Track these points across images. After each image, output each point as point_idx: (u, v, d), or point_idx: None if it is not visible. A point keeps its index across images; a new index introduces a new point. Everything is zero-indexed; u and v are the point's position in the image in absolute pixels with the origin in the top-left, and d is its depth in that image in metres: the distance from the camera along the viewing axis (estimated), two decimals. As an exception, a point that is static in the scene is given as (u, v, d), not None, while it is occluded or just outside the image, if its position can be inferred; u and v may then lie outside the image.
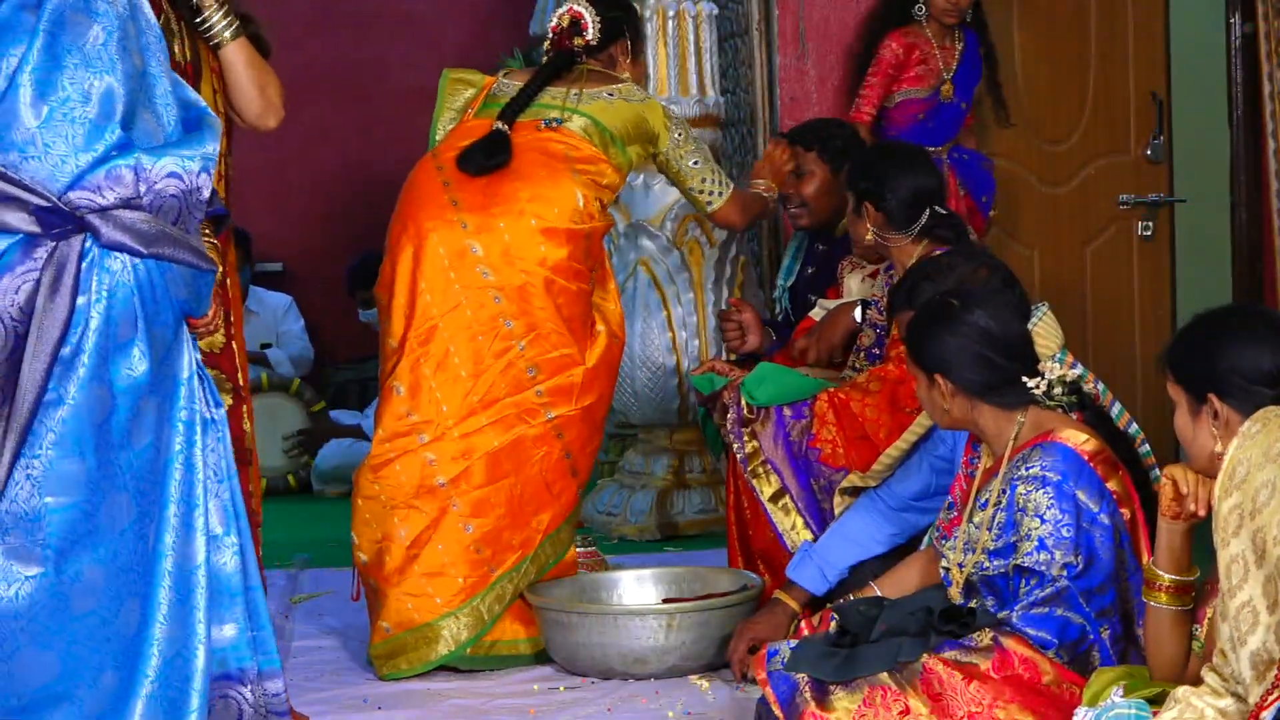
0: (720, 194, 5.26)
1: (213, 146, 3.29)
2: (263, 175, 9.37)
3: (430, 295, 4.85)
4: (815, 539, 4.75)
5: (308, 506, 8.02)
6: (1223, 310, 3.42)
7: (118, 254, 3.19)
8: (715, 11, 6.71)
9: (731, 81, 7.06)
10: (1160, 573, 3.39)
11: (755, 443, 4.94)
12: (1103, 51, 6.89)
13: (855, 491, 4.71)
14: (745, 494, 5.01)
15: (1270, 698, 2.87)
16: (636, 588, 5.06)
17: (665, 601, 4.93)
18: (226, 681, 3.47)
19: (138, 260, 3.21)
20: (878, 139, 6.31)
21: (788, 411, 4.93)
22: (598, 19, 5.19)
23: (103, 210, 3.17)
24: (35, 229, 3.13)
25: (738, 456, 4.96)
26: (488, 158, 4.94)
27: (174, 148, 3.26)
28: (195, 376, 3.39)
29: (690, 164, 5.21)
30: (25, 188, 3.13)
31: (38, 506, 3.14)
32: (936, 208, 4.90)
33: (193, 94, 3.41)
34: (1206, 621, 3.31)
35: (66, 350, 3.16)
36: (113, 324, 3.20)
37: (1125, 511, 3.80)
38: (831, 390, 4.93)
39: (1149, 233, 6.94)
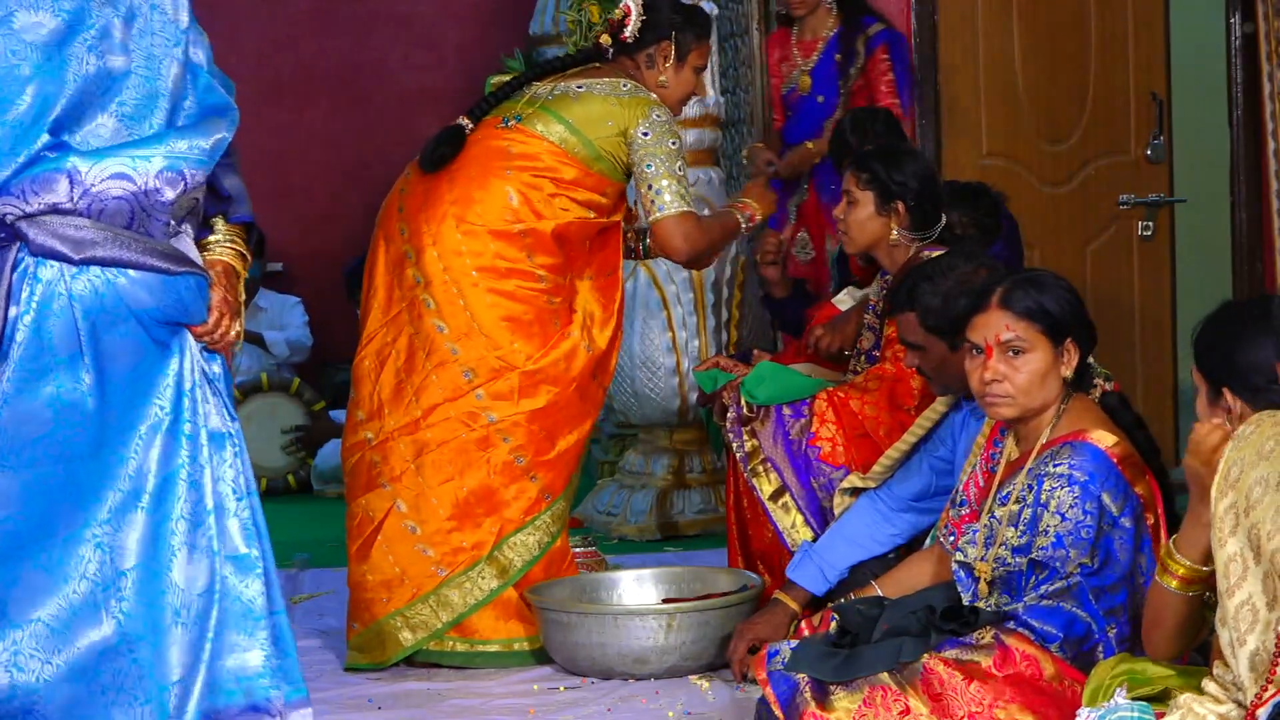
0: (664, 208, 4.88)
1: (200, 146, 3.14)
2: (263, 175, 9.37)
3: (374, 301, 4.95)
4: (815, 537, 4.75)
5: (308, 506, 8.03)
6: (1244, 304, 3.41)
7: (51, 262, 3.05)
8: (715, 11, 6.70)
9: (731, 81, 7.06)
10: (1179, 558, 3.33)
11: (755, 441, 4.94)
12: (1103, 51, 6.89)
13: (855, 492, 4.71)
14: (745, 493, 5.02)
15: (1266, 693, 2.87)
16: (636, 588, 5.06)
17: (665, 601, 4.93)
18: (254, 714, 3.32)
19: (76, 269, 3.07)
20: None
21: (787, 410, 4.93)
22: (642, 16, 5.05)
23: (29, 216, 3.03)
24: None
25: (737, 455, 4.97)
26: (432, 150, 4.94)
27: (129, 146, 3.09)
28: (198, 388, 3.25)
29: (647, 167, 4.89)
30: None
31: None
32: (944, 213, 4.96)
33: (218, 90, 3.25)
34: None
35: None
36: (45, 335, 3.06)
37: (1149, 516, 3.81)
38: (831, 389, 4.94)
39: (1149, 233, 6.94)
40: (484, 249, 4.84)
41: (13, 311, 3.03)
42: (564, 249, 4.91)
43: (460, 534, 4.84)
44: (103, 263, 3.07)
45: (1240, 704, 3.02)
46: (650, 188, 4.88)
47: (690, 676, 4.66)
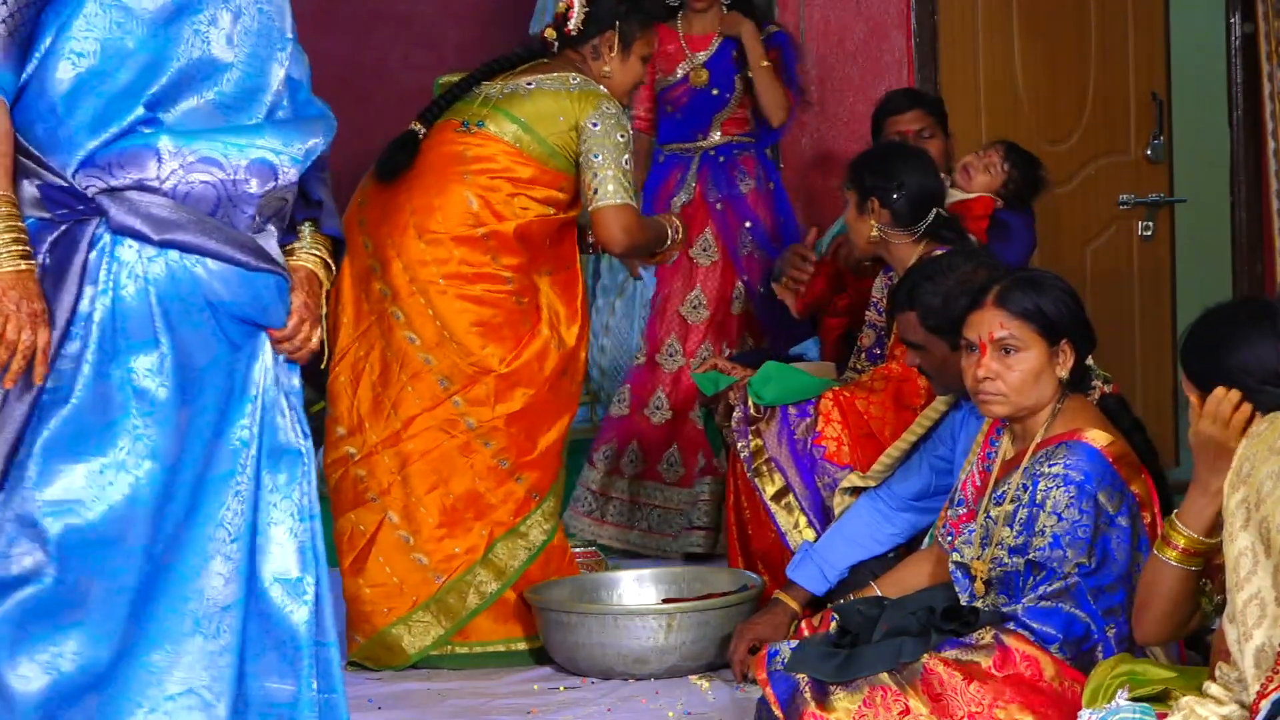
0: (605, 198, 4.83)
1: (296, 145, 3.04)
2: (263, 176, 9.37)
3: (343, 317, 4.93)
4: (818, 538, 4.75)
5: (308, 507, 8.02)
6: (1230, 306, 3.42)
7: (130, 242, 2.94)
8: (707, 9, 6.70)
9: (730, 80, 7.06)
10: (1182, 528, 3.35)
11: (759, 441, 4.94)
12: (1103, 51, 6.89)
13: (856, 491, 4.71)
14: (746, 494, 5.02)
15: (1271, 685, 2.87)
16: (636, 588, 5.06)
17: (665, 601, 4.93)
18: None
19: (155, 251, 2.95)
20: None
21: (793, 410, 4.94)
22: (585, 8, 5.02)
23: (113, 191, 2.93)
24: (44, 212, 2.91)
25: (741, 455, 4.97)
26: (388, 159, 4.93)
27: (222, 133, 3.00)
28: (266, 395, 3.09)
29: (594, 157, 4.84)
30: (41, 163, 2.91)
31: (34, 509, 2.91)
32: (940, 209, 4.92)
33: (316, 103, 3.18)
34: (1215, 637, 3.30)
35: (73, 346, 2.91)
36: (121, 319, 2.94)
37: (1146, 515, 3.81)
38: (836, 389, 4.94)
39: (1149, 233, 6.94)
40: (449, 256, 4.84)
41: (89, 291, 2.92)
42: (527, 248, 4.90)
43: (452, 540, 4.84)
44: (183, 247, 2.97)
45: (1243, 704, 3.02)
46: (595, 176, 4.84)
47: (690, 676, 4.66)
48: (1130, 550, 3.75)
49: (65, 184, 2.93)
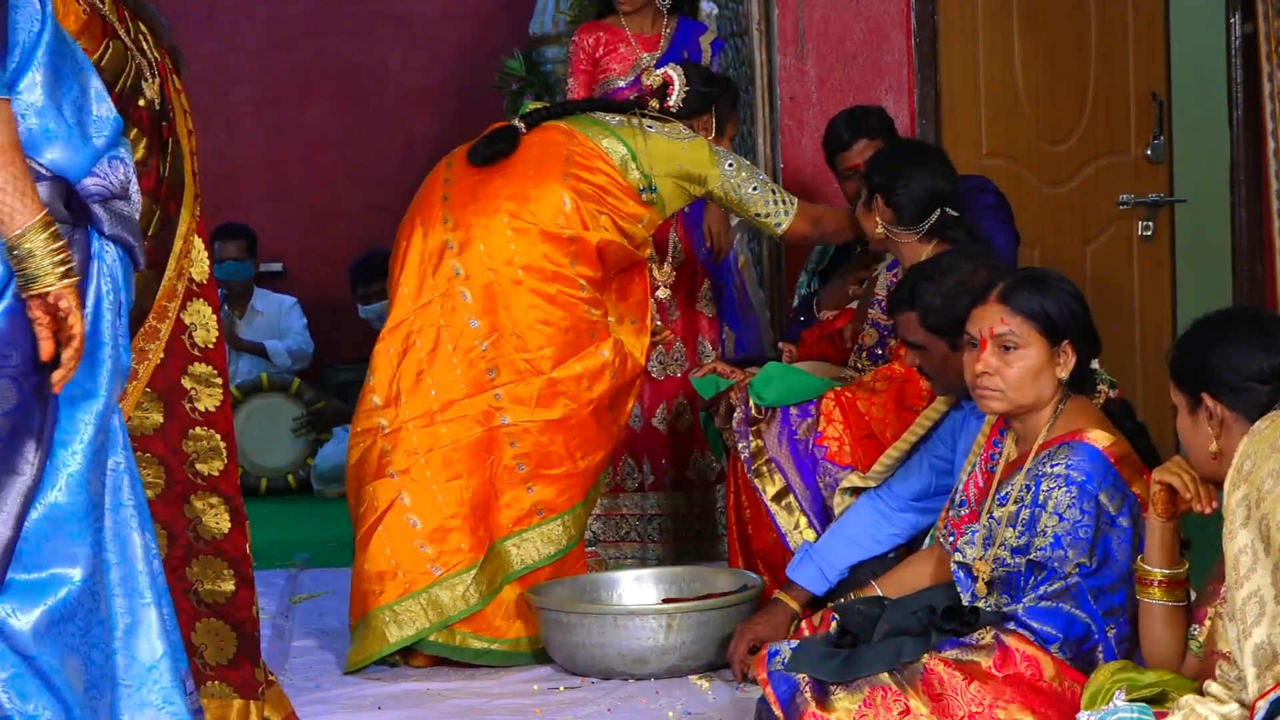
0: (786, 213, 5.19)
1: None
2: (263, 175, 9.37)
3: (407, 289, 4.90)
4: (818, 539, 4.75)
5: (308, 506, 8.03)
6: (1217, 313, 3.48)
7: (109, 245, 3.06)
8: (715, 11, 6.70)
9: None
10: (1151, 569, 3.50)
11: (759, 442, 4.94)
12: (1103, 51, 6.89)
13: (856, 491, 4.71)
14: (746, 494, 5.02)
15: (1269, 686, 2.88)
16: (636, 588, 5.06)
17: (665, 601, 4.93)
18: None
19: (121, 251, 3.08)
20: None
21: (794, 411, 4.94)
22: (686, 88, 5.20)
23: (106, 199, 3.04)
24: (67, 216, 2.97)
25: (742, 456, 4.97)
26: (487, 146, 4.96)
27: (123, 144, 3.12)
28: None
29: (749, 190, 5.13)
30: (53, 171, 2.98)
31: (75, 505, 2.98)
32: (948, 209, 4.88)
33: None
34: (1207, 622, 3.32)
35: (83, 346, 2.98)
36: (114, 316, 3.06)
37: (1146, 516, 3.81)
38: (838, 389, 4.94)
39: (1149, 233, 6.94)
40: (533, 248, 4.85)
41: (94, 291, 3.02)
42: (604, 265, 4.95)
43: (460, 535, 4.82)
44: (134, 253, 3.11)
45: (1243, 703, 3.02)
46: (765, 204, 5.17)
47: (690, 676, 4.65)
48: (1131, 551, 3.75)
49: (69, 192, 2.99)
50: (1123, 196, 6.92)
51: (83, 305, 2.98)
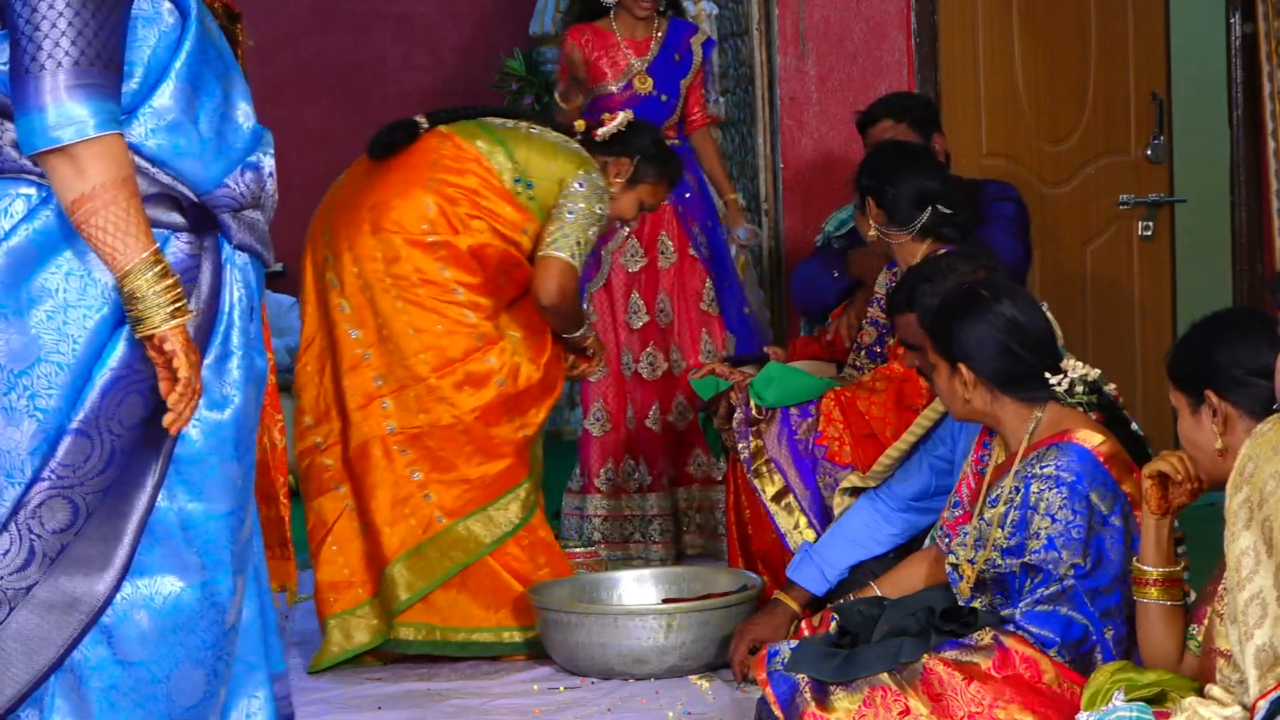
0: (559, 251, 4.84)
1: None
2: (262, 175, 9.36)
3: (309, 305, 4.97)
4: (818, 539, 4.75)
5: (307, 506, 8.02)
6: (1216, 313, 3.47)
7: (240, 253, 3.03)
8: (715, 11, 6.71)
9: (731, 81, 7.06)
10: (1147, 568, 3.49)
11: (759, 442, 4.94)
12: (1103, 51, 6.89)
13: (855, 492, 4.71)
14: (745, 494, 5.02)
15: (1270, 687, 2.88)
16: (636, 588, 5.06)
17: (665, 601, 4.93)
18: None
19: (251, 258, 3.06)
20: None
21: (794, 411, 4.94)
22: (620, 131, 5.12)
23: (237, 209, 3.01)
24: (185, 224, 2.95)
25: (741, 456, 4.97)
26: (384, 135, 4.97)
27: (265, 146, 3.09)
28: None
29: (567, 213, 4.86)
30: (180, 182, 2.95)
31: (197, 514, 2.98)
32: (940, 207, 4.88)
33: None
34: (1206, 622, 3.32)
35: (214, 354, 2.98)
36: (245, 323, 3.04)
37: (1138, 514, 3.81)
38: (838, 389, 4.94)
39: (1149, 233, 6.94)
40: (397, 255, 4.83)
41: (224, 300, 3.00)
42: (484, 269, 4.87)
43: (392, 532, 4.83)
44: (265, 261, 3.10)
45: (1245, 705, 3.02)
46: (561, 229, 4.85)
47: (690, 676, 4.66)
48: (1124, 550, 3.75)
49: (195, 201, 2.98)
50: (1123, 196, 6.92)
51: (212, 329, 2.97)
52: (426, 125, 4.97)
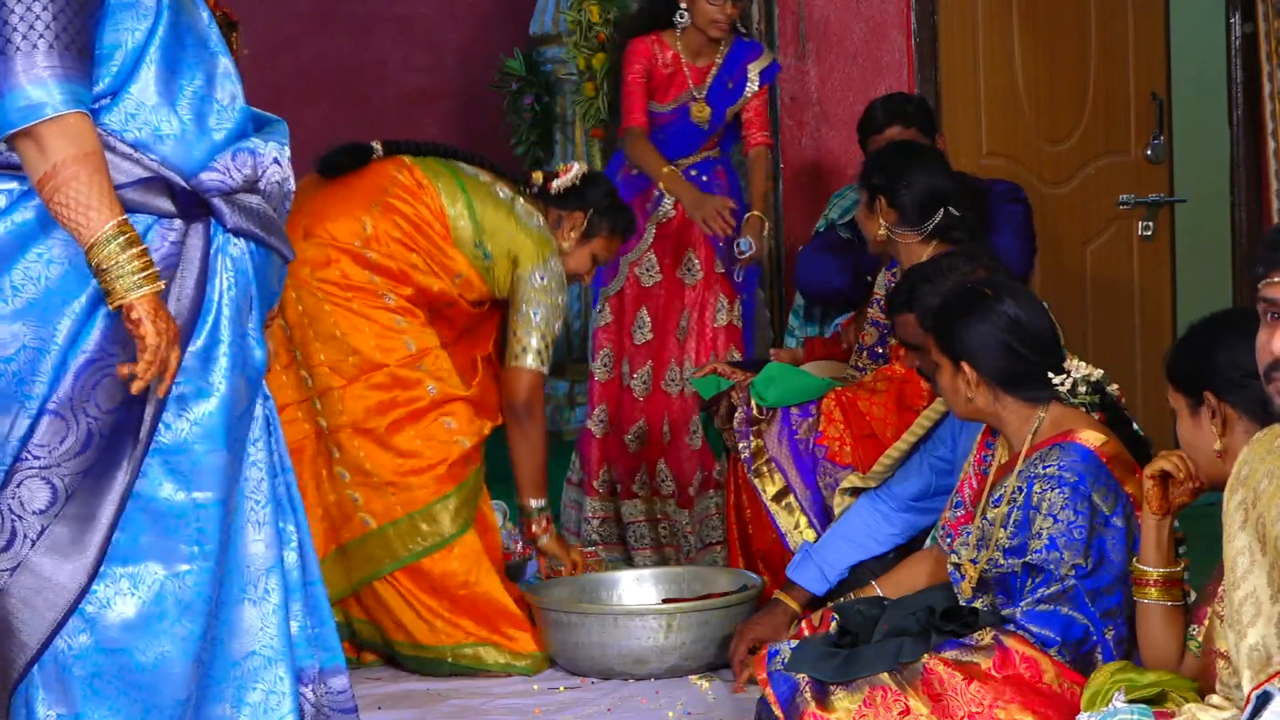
0: (528, 362, 4.91)
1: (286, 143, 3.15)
2: (263, 176, 9.37)
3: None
4: (818, 538, 4.75)
5: (308, 507, 8.03)
6: (1216, 314, 3.48)
7: (236, 239, 3.03)
8: (715, 12, 6.68)
9: (732, 82, 7.05)
10: (1147, 569, 3.48)
11: (760, 442, 4.94)
12: (1103, 51, 6.89)
13: (856, 492, 4.71)
14: (746, 494, 5.02)
15: (1262, 678, 2.88)
16: (636, 588, 5.06)
17: (665, 601, 4.94)
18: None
19: (253, 246, 3.06)
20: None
21: (795, 411, 4.94)
22: (574, 183, 5.06)
23: (228, 193, 3.01)
24: (173, 211, 2.95)
25: (742, 456, 4.97)
26: (333, 156, 4.94)
27: (272, 134, 3.11)
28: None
29: (532, 312, 4.90)
30: (165, 167, 2.96)
31: (183, 502, 2.98)
32: (951, 209, 4.86)
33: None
34: (1206, 623, 3.32)
35: (199, 342, 2.98)
36: (237, 312, 3.04)
37: (1140, 515, 3.81)
38: (839, 389, 4.95)
39: (1149, 233, 6.94)
40: (327, 260, 4.83)
41: (210, 288, 3.00)
42: (412, 284, 4.87)
43: (318, 538, 4.80)
44: (273, 247, 3.11)
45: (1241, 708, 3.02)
46: (528, 334, 4.90)
47: (690, 676, 4.66)
48: (1125, 551, 3.75)
49: (183, 186, 2.98)
50: (1123, 196, 6.92)
51: (198, 317, 2.96)
52: (381, 153, 4.94)
